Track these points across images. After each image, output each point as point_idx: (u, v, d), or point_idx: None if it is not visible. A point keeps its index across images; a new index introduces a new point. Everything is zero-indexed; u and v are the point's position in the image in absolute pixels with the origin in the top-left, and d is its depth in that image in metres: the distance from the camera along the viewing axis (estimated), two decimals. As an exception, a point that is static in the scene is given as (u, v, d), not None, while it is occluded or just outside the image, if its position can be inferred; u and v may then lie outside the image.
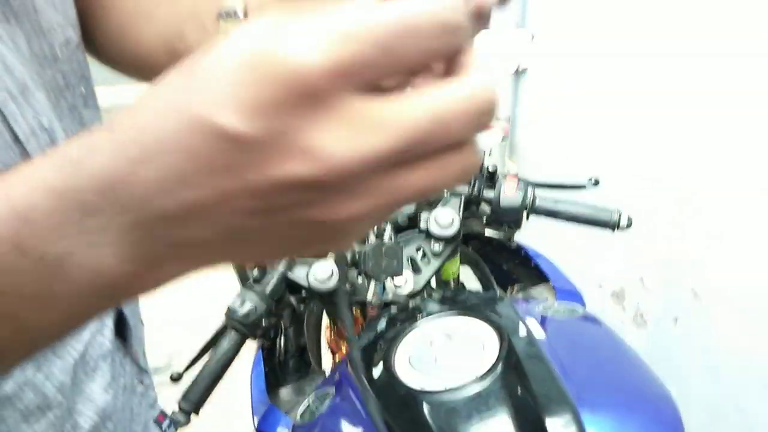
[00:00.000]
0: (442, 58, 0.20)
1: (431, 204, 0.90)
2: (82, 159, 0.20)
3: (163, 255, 0.22)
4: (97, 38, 0.52)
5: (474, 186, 0.85)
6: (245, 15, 0.42)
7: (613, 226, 0.80)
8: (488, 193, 0.84)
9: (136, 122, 0.20)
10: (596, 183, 0.89)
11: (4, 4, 0.38)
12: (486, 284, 0.94)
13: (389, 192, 0.19)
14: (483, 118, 0.19)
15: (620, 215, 0.81)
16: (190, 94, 0.19)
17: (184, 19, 0.48)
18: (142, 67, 0.52)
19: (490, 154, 1.68)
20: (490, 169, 0.87)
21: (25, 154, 0.36)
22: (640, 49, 1.22)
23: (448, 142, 0.19)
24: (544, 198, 0.82)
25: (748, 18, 0.97)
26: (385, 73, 0.19)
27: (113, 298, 0.25)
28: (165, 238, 0.21)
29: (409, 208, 0.87)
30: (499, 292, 0.92)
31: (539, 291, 0.94)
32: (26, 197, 0.21)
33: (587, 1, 1.40)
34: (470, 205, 0.86)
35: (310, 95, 0.18)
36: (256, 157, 0.18)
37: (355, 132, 0.18)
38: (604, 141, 1.43)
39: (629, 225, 0.80)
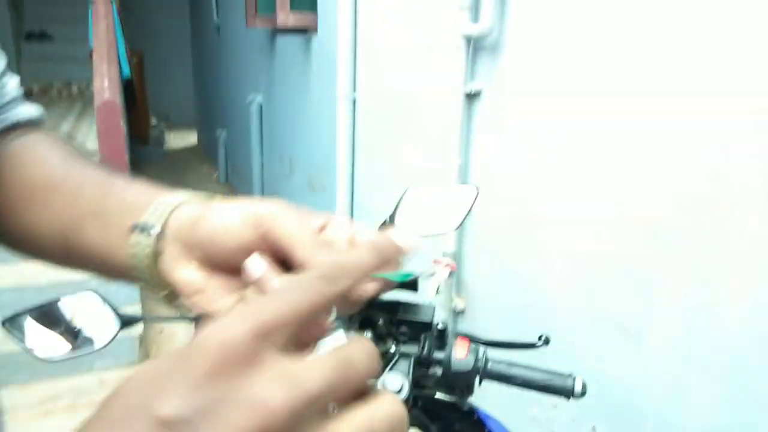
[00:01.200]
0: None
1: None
2: None
3: None
4: None
5: (424, 346, 0.81)
6: (161, 233, 0.42)
7: (568, 393, 0.77)
8: (438, 354, 0.80)
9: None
10: (546, 342, 0.86)
11: None
12: (436, 450, 0.87)
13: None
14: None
15: (574, 380, 0.78)
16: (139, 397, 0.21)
17: (83, 215, 0.47)
18: (34, 248, 0.51)
19: (438, 292, 1.67)
20: (440, 327, 0.83)
21: None
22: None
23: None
24: (498, 361, 0.79)
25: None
26: (292, 332, 0.24)
27: None
28: None
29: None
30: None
31: (493, 457, 0.88)
32: None
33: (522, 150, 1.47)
34: (420, 366, 0.81)
35: (238, 357, 0.21)
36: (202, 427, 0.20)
37: (282, 381, 0.21)
38: (553, 271, 1.44)
39: (584, 392, 0.77)
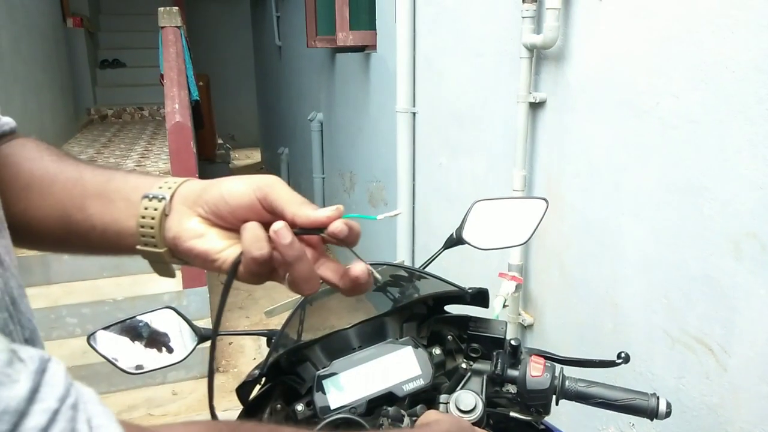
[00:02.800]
0: None
1: (449, 376, 0.84)
2: None
3: None
4: None
5: (497, 364, 0.79)
6: (171, 201, 0.50)
7: (652, 414, 0.74)
8: (512, 372, 0.78)
9: None
10: (627, 360, 0.83)
11: None
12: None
13: None
14: None
15: (658, 400, 0.74)
16: None
17: (85, 197, 0.53)
18: (31, 235, 0.55)
19: (505, 306, 1.63)
20: (513, 343, 0.82)
21: None
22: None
23: None
24: (575, 379, 0.76)
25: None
26: None
27: None
28: None
29: (421, 381, 0.81)
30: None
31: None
32: None
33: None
34: (493, 384, 0.79)
35: None
36: None
37: None
38: (627, 284, 1.38)
39: (669, 413, 0.74)
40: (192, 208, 0.49)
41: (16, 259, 0.43)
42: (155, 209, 0.49)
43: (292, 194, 0.48)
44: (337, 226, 0.47)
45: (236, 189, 0.48)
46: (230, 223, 0.49)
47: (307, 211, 0.47)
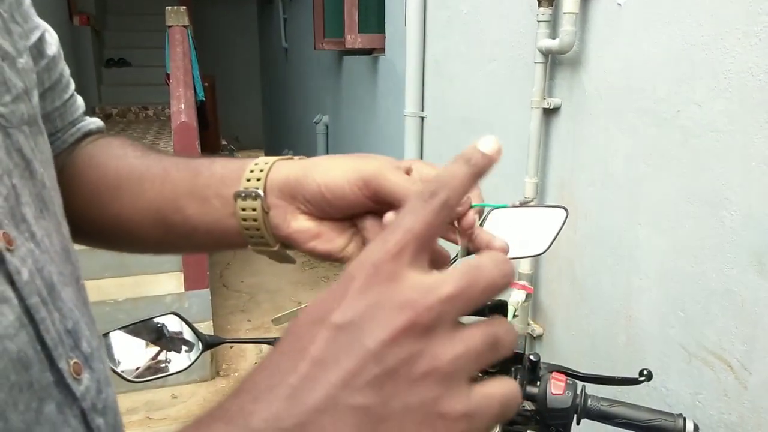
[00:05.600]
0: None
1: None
2: None
3: None
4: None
5: (515, 380, 0.76)
6: (264, 197, 0.46)
7: (679, 435, 0.70)
8: (531, 389, 0.75)
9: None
10: (649, 377, 0.79)
11: (38, 199, 0.40)
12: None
13: (470, 336, 0.26)
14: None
15: (685, 421, 0.71)
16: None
17: (177, 197, 0.51)
18: (127, 235, 0.54)
19: (516, 315, 1.60)
20: (532, 359, 0.78)
21: (53, 365, 0.37)
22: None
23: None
24: (597, 398, 0.73)
25: None
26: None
27: None
28: None
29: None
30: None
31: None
32: None
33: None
34: (511, 401, 0.76)
35: (382, 275, 0.26)
36: (354, 329, 0.26)
37: (419, 287, 0.26)
38: (642, 296, 1.35)
39: (697, 435, 0.70)
40: (291, 203, 0.47)
41: (67, 249, 0.42)
42: (253, 209, 0.47)
43: (406, 183, 0.42)
44: (470, 219, 0.42)
45: (335, 184, 0.44)
46: (336, 216, 0.46)
47: (416, 188, 0.42)
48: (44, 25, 0.50)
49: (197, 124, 3.27)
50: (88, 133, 0.58)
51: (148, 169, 0.53)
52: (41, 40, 0.49)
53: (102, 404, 0.41)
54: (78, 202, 0.53)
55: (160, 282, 3.04)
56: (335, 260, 0.47)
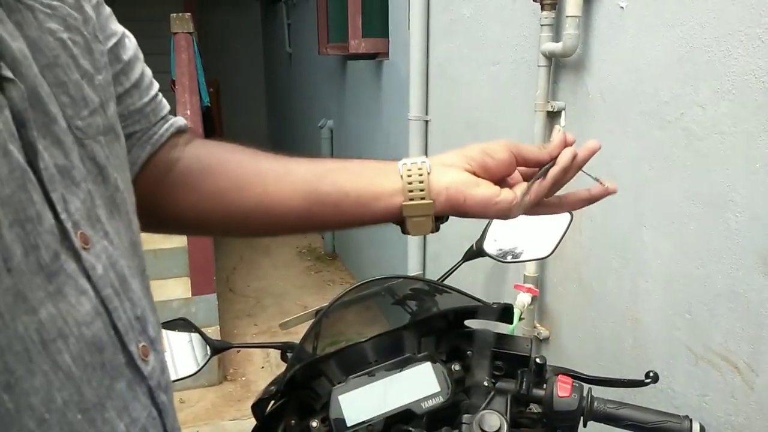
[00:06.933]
0: None
1: (468, 393, 0.81)
2: None
3: None
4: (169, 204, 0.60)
5: (521, 383, 0.76)
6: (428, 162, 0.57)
7: (685, 437, 0.70)
8: (538, 392, 0.75)
9: None
10: (655, 379, 0.80)
11: (110, 201, 0.44)
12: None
13: None
14: None
15: (691, 423, 0.71)
16: None
17: (330, 171, 0.59)
18: (266, 214, 0.59)
19: (521, 319, 1.60)
20: (539, 362, 0.79)
21: (124, 348, 0.42)
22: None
23: None
24: (603, 400, 0.73)
25: None
26: None
27: None
28: None
29: (440, 399, 0.78)
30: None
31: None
32: None
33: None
34: (518, 404, 0.76)
35: None
36: None
37: None
38: (648, 299, 1.35)
39: (703, 436, 0.70)
40: (454, 165, 0.57)
41: (135, 244, 0.47)
42: (419, 168, 0.56)
43: (537, 150, 0.59)
44: (566, 155, 0.58)
45: (494, 148, 0.57)
46: (492, 175, 0.57)
47: (546, 151, 0.58)
48: (122, 31, 0.55)
49: (203, 129, 3.29)
50: (180, 130, 0.61)
51: (290, 158, 0.61)
52: (117, 45, 0.53)
53: (165, 383, 0.47)
54: (205, 192, 0.59)
55: (167, 287, 3.05)
56: (490, 207, 0.56)
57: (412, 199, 0.55)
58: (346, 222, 0.59)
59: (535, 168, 0.58)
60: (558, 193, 0.61)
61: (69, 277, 0.38)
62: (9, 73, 0.35)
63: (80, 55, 0.43)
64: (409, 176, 0.55)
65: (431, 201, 0.55)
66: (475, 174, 0.57)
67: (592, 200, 0.62)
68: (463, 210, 0.56)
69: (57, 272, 0.37)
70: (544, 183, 0.57)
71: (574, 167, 0.59)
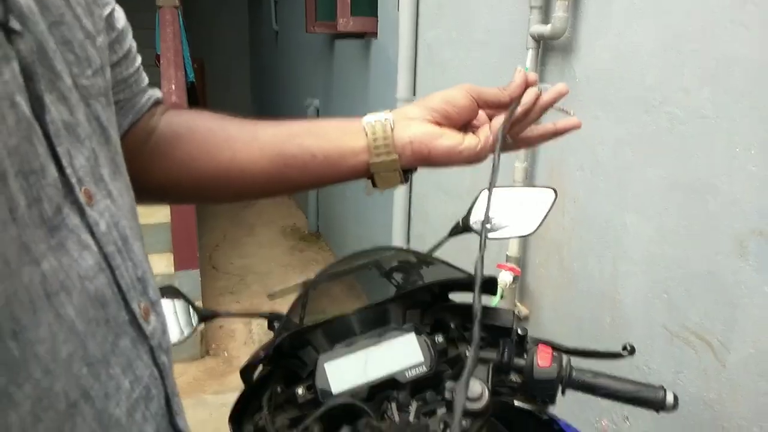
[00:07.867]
0: None
1: (453, 366, 0.83)
2: None
3: None
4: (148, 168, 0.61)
5: (503, 352, 0.78)
6: (392, 117, 0.59)
7: (659, 406, 0.73)
8: (519, 361, 0.78)
9: None
10: (632, 351, 0.82)
11: (112, 162, 0.45)
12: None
13: None
14: None
15: (665, 393, 0.74)
16: None
17: (295, 134, 0.60)
18: (238, 178, 0.61)
19: (501, 297, 1.63)
20: (520, 333, 0.81)
21: (127, 306, 0.43)
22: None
23: None
24: (582, 371, 0.76)
25: None
26: None
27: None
28: None
29: (424, 368, 0.80)
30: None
31: (571, 469, 0.84)
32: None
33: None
34: (499, 373, 0.79)
35: None
36: None
37: None
38: (627, 279, 1.38)
39: (676, 405, 0.73)
40: (417, 118, 0.58)
41: (134, 208, 0.48)
42: (382, 125, 0.58)
43: (493, 89, 0.61)
44: (529, 95, 0.60)
45: (454, 95, 0.59)
46: (455, 123, 0.59)
47: (507, 93, 0.60)
48: (113, 1, 0.54)
49: (188, 105, 3.25)
50: (158, 101, 0.63)
51: (258, 122, 0.62)
52: (111, 14, 0.53)
53: (166, 345, 0.48)
54: (177, 159, 0.60)
55: (150, 262, 3.04)
56: (454, 156, 0.57)
57: (378, 155, 0.57)
58: (315, 182, 0.61)
59: (498, 110, 0.61)
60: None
61: (71, 232, 0.38)
62: (18, 26, 0.35)
63: (83, 15, 0.43)
64: (374, 134, 0.57)
65: (396, 156, 0.57)
66: (438, 124, 0.58)
67: (557, 133, 0.65)
68: (429, 161, 0.58)
69: (59, 226, 0.37)
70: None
71: (538, 108, 0.60)
